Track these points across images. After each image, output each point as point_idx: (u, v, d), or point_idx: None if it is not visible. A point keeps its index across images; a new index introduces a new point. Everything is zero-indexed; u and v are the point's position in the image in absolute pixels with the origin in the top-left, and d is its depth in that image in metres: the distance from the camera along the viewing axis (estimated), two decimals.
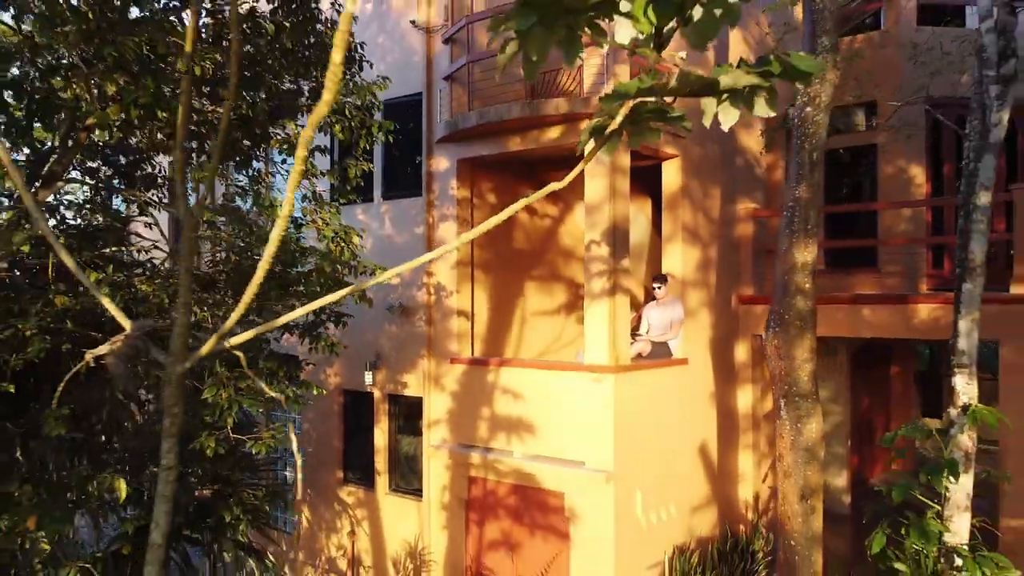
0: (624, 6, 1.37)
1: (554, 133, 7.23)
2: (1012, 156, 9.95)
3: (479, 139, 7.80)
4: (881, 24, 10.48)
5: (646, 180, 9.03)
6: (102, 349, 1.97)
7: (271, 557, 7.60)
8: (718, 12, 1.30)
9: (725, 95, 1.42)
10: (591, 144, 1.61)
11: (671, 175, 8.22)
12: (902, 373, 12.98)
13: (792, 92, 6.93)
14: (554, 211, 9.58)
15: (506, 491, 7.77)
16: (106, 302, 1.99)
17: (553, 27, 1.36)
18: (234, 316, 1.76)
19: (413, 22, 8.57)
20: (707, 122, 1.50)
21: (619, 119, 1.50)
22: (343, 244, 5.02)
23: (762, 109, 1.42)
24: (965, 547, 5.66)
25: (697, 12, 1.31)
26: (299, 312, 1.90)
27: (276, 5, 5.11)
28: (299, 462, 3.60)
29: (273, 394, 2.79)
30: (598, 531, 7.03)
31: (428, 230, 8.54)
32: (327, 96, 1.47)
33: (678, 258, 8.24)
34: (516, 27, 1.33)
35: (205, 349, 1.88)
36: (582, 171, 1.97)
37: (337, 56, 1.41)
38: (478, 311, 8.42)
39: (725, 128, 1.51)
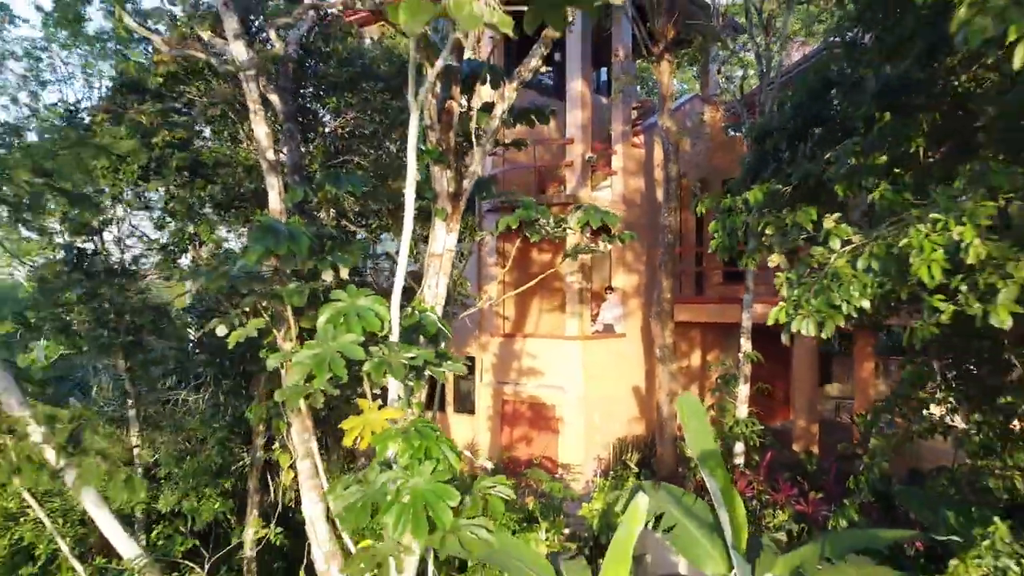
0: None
1: (553, 209, 13.47)
2: None
3: (508, 210, 14.03)
4: None
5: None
6: None
7: None
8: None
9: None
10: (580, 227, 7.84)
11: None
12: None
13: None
14: (553, 248, 15.83)
15: (524, 407, 14.02)
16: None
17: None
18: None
19: None
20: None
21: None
22: (458, 284, 11.23)
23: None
24: (744, 418, 11.88)
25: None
26: (470, 311, 8.04)
27: None
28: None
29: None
30: (574, 428, 13.25)
31: (479, 263, 14.79)
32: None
33: (621, 277, 14.49)
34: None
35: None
36: (564, 227, 8.16)
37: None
38: (508, 308, 14.68)
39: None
